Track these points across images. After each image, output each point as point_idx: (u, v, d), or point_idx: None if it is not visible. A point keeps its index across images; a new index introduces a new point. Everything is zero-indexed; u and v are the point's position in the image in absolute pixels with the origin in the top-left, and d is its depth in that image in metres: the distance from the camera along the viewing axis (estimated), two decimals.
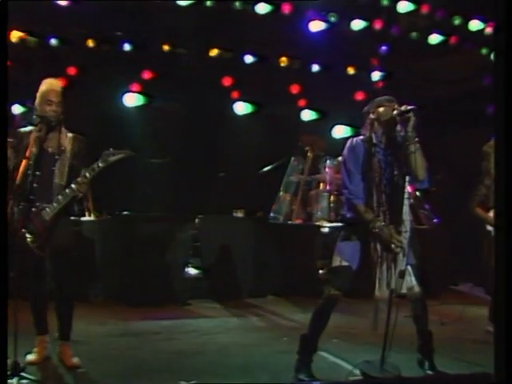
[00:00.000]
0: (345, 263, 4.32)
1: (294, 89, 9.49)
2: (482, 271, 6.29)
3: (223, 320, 6.63)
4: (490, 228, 6.00)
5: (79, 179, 4.34)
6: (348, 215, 4.38)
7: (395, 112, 4.20)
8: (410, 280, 4.32)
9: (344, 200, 4.57)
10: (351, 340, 5.59)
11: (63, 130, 4.54)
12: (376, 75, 9.29)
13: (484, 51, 7.95)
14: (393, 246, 4.18)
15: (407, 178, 4.23)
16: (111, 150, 4.39)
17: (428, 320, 4.55)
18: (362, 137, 4.39)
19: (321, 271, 8.23)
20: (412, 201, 8.07)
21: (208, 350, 5.30)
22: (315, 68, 9.27)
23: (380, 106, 4.34)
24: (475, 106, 8.76)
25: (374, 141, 4.29)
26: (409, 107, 4.14)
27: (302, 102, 9.66)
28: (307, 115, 9.65)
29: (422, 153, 4.19)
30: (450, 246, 8.64)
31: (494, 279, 3.23)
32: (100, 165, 4.35)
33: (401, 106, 4.25)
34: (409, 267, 4.29)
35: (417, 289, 4.39)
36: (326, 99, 9.51)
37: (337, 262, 4.37)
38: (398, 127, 4.26)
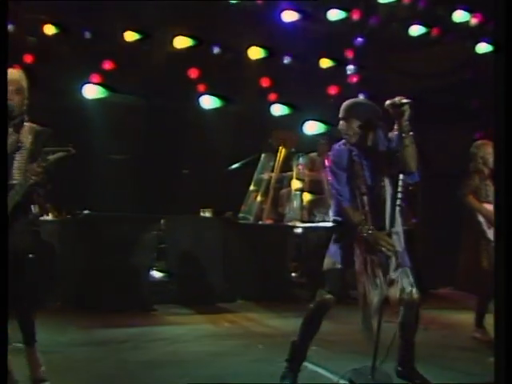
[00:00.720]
0: (338, 266, 4.27)
1: (264, 82, 9.41)
2: (465, 273, 6.25)
3: (192, 327, 6.48)
4: (481, 219, 6.00)
5: (34, 165, 4.09)
6: (337, 216, 4.36)
7: (387, 103, 4.09)
8: (408, 283, 4.24)
9: (332, 201, 4.60)
10: (331, 347, 5.46)
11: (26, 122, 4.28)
12: (351, 68, 9.29)
13: (468, 44, 7.95)
14: (384, 249, 4.11)
15: (401, 176, 4.18)
16: (51, 148, 4.15)
17: (417, 329, 4.50)
18: (343, 140, 4.37)
19: (293, 274, 8.28)
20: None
21: (178, 360, 5.13)
22: (287, 60, 9.20)
23: (354, 118, 4.25)
24: (457, 101, 8.78)
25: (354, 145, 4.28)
26: (404, 100, 4.04)
27: (272, 96, 9.57)
28: (278, 110, 9.56)
29: (415, 146, 4.14)
30: (429, 248, 8.68)
31: (494, 279, 3.23)
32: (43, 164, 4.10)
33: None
34: (407, 270, 4.23)
35: (415, 294, 4.29)
36: (297, 93, 9.45)
37: (329, 264, 4.32)
38: (379, 131, 4.24)
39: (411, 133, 4.06)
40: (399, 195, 4.17)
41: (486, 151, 6.15)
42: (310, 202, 8.66)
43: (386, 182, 4.19)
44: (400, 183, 4.16)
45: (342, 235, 4.32)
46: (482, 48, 7.98)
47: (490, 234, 5.97)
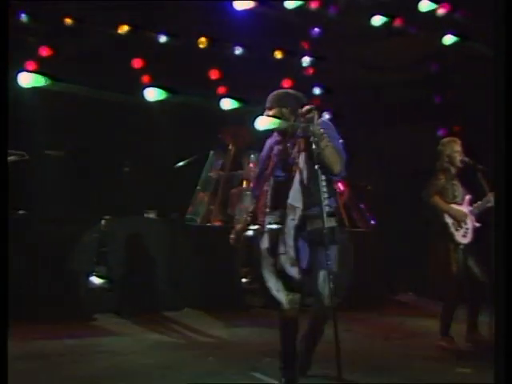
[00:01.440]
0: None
1: (214, 74, 9.27)
2: (431, 278, 6.26)
3: (136, 338, 6.32)
4: (448, 220, 6.03)
5: None
6: None
7: (300, 112, 4.46)
8: (323, 288, 4.40)
9: None
10: None
11: None
12: (306, 60, 9.18)
13: (434, 35, 8.00)
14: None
15: (323, 177, 4.41)
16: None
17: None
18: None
19: (244, 280, 8.17)
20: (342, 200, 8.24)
21: (123, 375, 4.96)
22: (238, 51, 9.05)
23: (286, 107, 4.63)
24: (421, 96, 8.82)
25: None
26: (307, 107, 4.42)
27: (221, 89, 9.40)
28: (228, 104, 9.38)
29: (334, 147, 4.44)
30: (388, 251, 8.72)
31: (494, 280, 3.32)
32: None
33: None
34: (325, 273, 4.37)
35: (328, 301, 4.37)
36: (249, 86, 9.28)
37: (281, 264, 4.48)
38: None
39: (325, 134, 4.37)
40: (325, 193, 4.37)
41: (454, 149, 6.18)
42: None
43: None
44: (323, 180, 4.40)
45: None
46: (449, 39, 8.05)
47: (459, 236, 6.01)
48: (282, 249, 4.43)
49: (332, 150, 4.40)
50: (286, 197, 4.45)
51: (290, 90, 4.83)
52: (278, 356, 4.53)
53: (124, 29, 8.38)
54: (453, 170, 6.19)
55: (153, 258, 7.67)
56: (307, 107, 4.44)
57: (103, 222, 7.55)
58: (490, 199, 5.98)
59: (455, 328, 5.96)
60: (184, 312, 7.53)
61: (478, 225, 6.12)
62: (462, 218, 6.04)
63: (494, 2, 3.35)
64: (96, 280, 7.40)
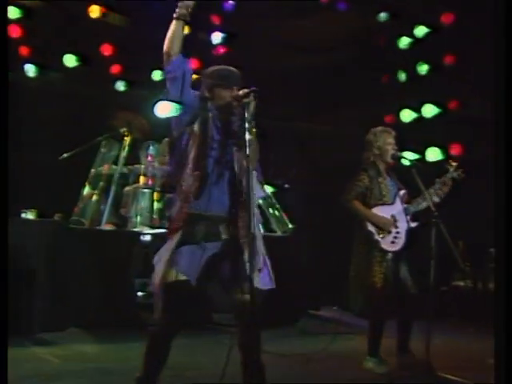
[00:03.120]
0: (182, 277, 4.39)
1: (106, 49, 9.19)
2: (354, 292, 6.27)
3: (10, 365, 5.98)
4: (371, 228, 6.03)
5: None
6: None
7: (233, 95, 4.45)
8: (243, 303, 4.43)
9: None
10: None
11: None
12: (217, 37, 9.19)
13: (368, 11, 8.15)
14: None
15: (254, 173, 4.42)
16: None
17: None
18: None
19: (140, 293, 8.09)
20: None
21: None
22: (135, 25, 9.05)
23: (218, 87, 4.57)
24: (348, 81, 8.87)
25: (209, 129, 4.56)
26: (246, 90, 4.36)
27: (115, 68, 9.38)
28: (123, 85, 9.26)
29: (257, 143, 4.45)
30: (310, 259, 8.74)
31: (495, 280, 3.67)
32: None
33: (240, 87, 4.48)
34: (246, 285, 4.35)
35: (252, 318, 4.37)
36: (147, 66, 9.23)
37: (172, 276, 4.41)
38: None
39: (254, 129, 4.32)
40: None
41: (386, 140, 6.20)
42: (163, 203, 8.45)
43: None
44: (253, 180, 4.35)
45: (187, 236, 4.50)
46: (385, 16, 8.18)
47: (386, 243, 6.02)
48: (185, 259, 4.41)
49: (256, 149, 4.41)
50: (209, 196, 4.44)
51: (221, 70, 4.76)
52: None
53: None
54: (381, 166, 6.21)
55: (31, 268, 7.40)
56: (245, 90, 4.38)
57: None
58: (425, 197, 6.00)
59: (387, 346, 5.98)
60: (69, 332, 7.37)
61: (413, 225, 6.15)
62: (386, 227, 6.06)
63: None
64: None
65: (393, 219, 6.09)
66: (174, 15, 4.50)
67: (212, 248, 4.41)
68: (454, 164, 6.36)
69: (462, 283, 9.26)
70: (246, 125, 4.29)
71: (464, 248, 9.00)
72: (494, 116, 3.76)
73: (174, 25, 4.50)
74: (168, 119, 7.59)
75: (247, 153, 4.22)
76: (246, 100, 4.35)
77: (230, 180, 4.47)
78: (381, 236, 6.02)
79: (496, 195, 3.75)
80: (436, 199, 6.13)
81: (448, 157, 9.34)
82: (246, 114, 4.31)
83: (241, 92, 4.42)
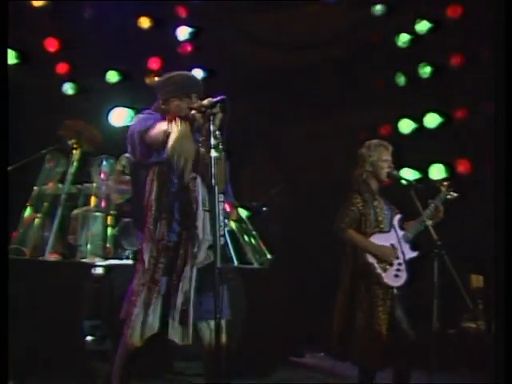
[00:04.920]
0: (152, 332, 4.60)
1: (50, 44, 9.10)
2: (339, 337, 6.17)
3: None
4: (371, 259, 5.93)
5: None
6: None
7: (194, 106, 4.47)
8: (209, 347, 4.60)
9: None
10: None
11: None
12: (183, 33, 9.14)
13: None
14: None
15: (222, 198, 4.52)
16: None
17: None
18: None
19: (90, 338, 7.98)
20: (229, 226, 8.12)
21: None
22: (88, 14, 9.08)
23: (175, 98, 4.68)
24: (339, 83, 8.82)
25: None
26: (214, 100, 4.36)
27: (62, 68, 9.29)
28: (71, 89, 9.22)
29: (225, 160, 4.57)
30: (291, 296, 8.68)
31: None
32: None
33: (203, 96, 4.54)
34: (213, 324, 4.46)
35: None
36: (100, 66, 9.15)
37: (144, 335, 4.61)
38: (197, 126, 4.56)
39: (220, 145, 4.37)
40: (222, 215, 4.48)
41: (381, 156, 6.11)
42: (118, 229, 8.33)
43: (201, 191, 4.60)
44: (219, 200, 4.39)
45: None
46: (380, 9, 8.15)
47: (389, 277, 5.94)
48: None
49: (223, 167, 4.48)
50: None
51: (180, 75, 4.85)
52: None
53: None
54: (374, 185, 6.13)
55: None
56: (211, 99, 4.36)
57: None
58: (424, 219, 5.95)
59: None
60: None
61: (413, 254, 6.08)
62: (389, 257, 5.98)
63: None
64: None
65: (394, 249, 6.02)
66: (182, 113, 4.53)
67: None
68: (445, 184, 6.31)
69: (472, 325, 9.09)
70: (212, 140, 4.29)
71: (476, 282, 8.90)
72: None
73: (182, 125, 4.46)
74: (125, 129, 7.50)
75: (213, 173, 4.26)
76: (212, 111, 4.32)
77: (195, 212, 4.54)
78: (383, 269, 5.92)
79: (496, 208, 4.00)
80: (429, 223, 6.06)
81: (453, 175, 9.27)
82: (212, 128, 4.30)
83: (205, 101, 4.39)
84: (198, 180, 4.58)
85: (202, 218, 4.54)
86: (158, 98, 4.75)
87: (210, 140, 4.31)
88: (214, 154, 4.28)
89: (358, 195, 6.06)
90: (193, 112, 4.44)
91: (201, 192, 4.57)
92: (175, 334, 4.53)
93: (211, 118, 4.32)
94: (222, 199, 4.53)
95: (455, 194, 6.24)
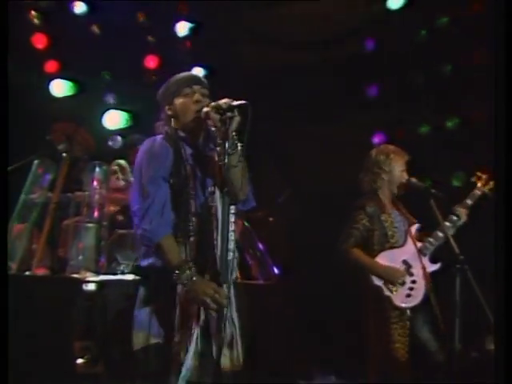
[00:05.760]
0: (154, 340, 4.46)
1: (39, 41, 9.18)
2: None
3: None
4: (377, 282, 5.91)
5: None
6: (144, 262, 4.56)
7: (206, 109, 4.37)
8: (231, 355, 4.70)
9: (136, 236, 4.67)
10: None
11: None
12: (183, 28, 9.14)
13: None
14: (209, 302, 4.34)
15: (232, 209, 4.40)
16: None
17: None
18: (161, 135, 4.64)
19: (81, 360, 7.82)
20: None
21: None
22: (78, 9, 9.09)
23: (178, 96, 4.59)
24: (348, 84, 8.86)
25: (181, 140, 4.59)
26: (234, 103, 4.27)
27: (51, 66, 9.32)
28: (60, 88, 9.28)
29: (245, 165, 4.49)
30: (300, 313, 8.63)
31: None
32: None
33: (219, 97, 4.41)
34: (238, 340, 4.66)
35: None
36: (92, 65, 9.29)
37: (140, 339, 4.50)
38: (212, 128, 4.47)
39: (239, 147, 4.32)
40: (232, 227, 4.34)
41: (397, 164, 6.04)
42: (112, 242, 8.24)
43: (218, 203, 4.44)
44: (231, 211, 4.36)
45: (151, 291, 4.50)
46: (396, 2, 8.09)
47: (399, 299, 5.86)
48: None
49: (242, 171, 4.40)
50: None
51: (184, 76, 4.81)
52: None
53: None
54: (385, 196, 6.07)
55: None
56: (231, 102, 4.26)
57: None
58: (443, 230, 5.91)
59: None
60: None
61: (434, 267, 6.02)
62: (396, 278, 5.95)
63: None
64: None
65: (405, 266, 5.99)
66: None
67: None
68: (484, 176, 6.20)
69: None
70: (227, 145, 4.24)
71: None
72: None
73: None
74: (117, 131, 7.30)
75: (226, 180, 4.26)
76: (229, 114, 4.25)
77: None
78: (392, 290, 5.85)
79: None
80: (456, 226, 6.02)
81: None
82: (230, 131, 4.26)
83: (223, 102, 4.30)
84: (217, 193, 4.47)
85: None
86: (163, 107, 4.67)
87: (225, 144, 4.26)
88: (232, 159, 4.27)
89: (362, 211, 6.05)
90: (206, 109, 4.37)
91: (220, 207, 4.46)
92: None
93: (227, 121, 4.26)
94: (234, 211, 4.40)
95: (493, 191, 6.12)
